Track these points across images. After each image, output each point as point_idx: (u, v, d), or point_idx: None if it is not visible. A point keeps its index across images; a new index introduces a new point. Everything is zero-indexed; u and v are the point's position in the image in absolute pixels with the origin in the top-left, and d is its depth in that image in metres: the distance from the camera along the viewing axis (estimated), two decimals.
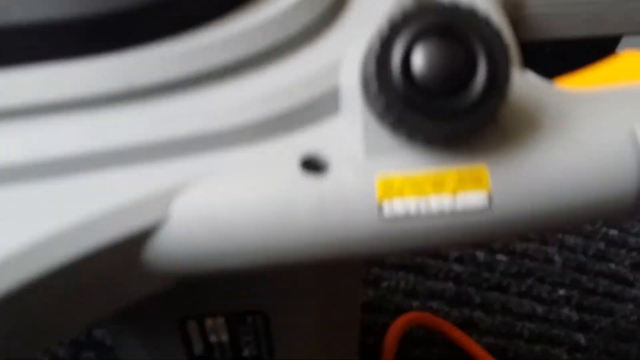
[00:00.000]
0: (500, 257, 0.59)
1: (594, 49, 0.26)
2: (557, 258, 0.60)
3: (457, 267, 0.58)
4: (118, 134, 0.17)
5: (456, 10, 0.16)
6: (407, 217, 0.17)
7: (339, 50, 0.19)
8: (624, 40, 0.26)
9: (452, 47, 0.16)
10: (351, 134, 0.17)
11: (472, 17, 0.16)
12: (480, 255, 0.59)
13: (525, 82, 0.18)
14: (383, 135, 0.17)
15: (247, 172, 0.17)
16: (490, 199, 0.17)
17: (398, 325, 0.52)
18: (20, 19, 0.17)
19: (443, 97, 0.16)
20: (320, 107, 0.18)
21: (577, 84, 0.21)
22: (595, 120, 0.18)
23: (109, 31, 0.17)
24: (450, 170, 0.17)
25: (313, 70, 0.18)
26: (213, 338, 0.29)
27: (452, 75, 0.16)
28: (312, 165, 0.17)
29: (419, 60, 0.16)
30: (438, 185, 0.17)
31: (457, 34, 0.16)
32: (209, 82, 0.18)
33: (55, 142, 0.17)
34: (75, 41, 0.17)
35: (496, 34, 0.16)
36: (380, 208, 0.17)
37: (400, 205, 0.17)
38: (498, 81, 0.16)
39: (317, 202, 0.17)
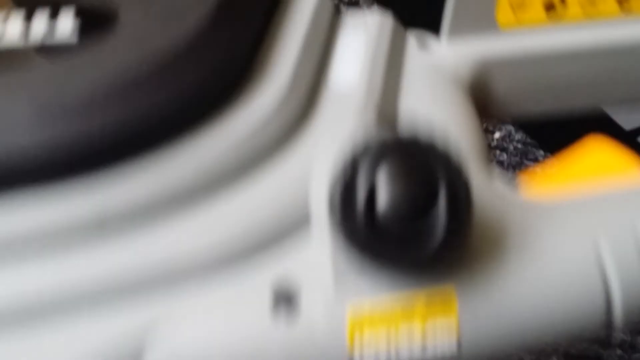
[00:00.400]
0: None
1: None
2: None
3: None
4: (78, 279, 0.17)
5: (416, 144, 0.16)
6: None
7: (304, 169, 0.19)
8: None
9: (412, 183, 0.16)
10: (320, 259, 0.17)
11: (432, 152, 0.16)
12: None
13: (490, 194, 0.18)
14: (351, 260, 0.17)
15: (219, 312, 0.17)
16: (458, 326, 0.17)
17: None
18: None
19: (404, 233, 0.16)
20: (290, 229, 0.18)
21: (543, 183, 0.22)
22: (559, 236, 0.18)
23: (64, 162, 0.17)
24: (419, 296, 0.17)
25: (282, 192, 0.18)
26: None
27: (414, 212, 0.16)
28: (283, 297, 0.17)
29: (381, 195, 0.16)
30: (407, 316, 0.17)
31: (418, 169, 0.16)
32: (171, 211, 0.18)
33: (11, 290, 0.17)
34: (24, 172, 0.17)
35: (456, 169, 0.16)
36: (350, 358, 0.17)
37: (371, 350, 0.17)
38: (458, 219, 0.16)
39: (287, 349, 0.17)
